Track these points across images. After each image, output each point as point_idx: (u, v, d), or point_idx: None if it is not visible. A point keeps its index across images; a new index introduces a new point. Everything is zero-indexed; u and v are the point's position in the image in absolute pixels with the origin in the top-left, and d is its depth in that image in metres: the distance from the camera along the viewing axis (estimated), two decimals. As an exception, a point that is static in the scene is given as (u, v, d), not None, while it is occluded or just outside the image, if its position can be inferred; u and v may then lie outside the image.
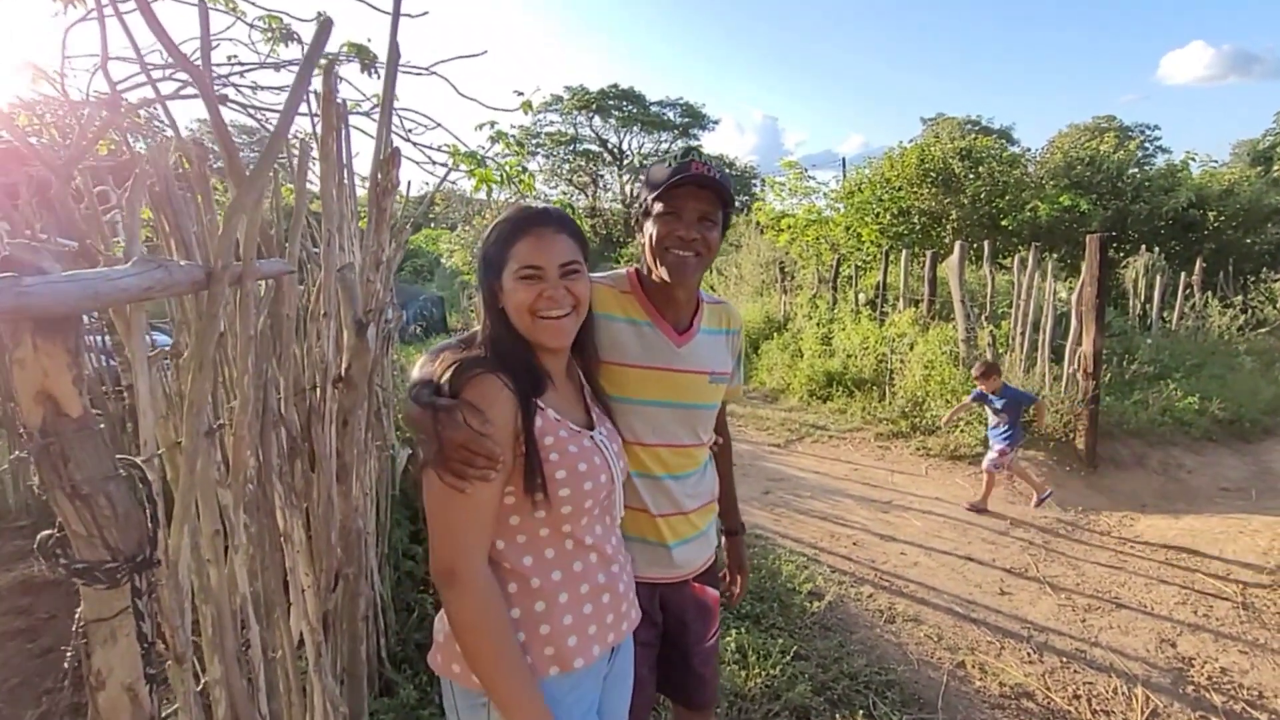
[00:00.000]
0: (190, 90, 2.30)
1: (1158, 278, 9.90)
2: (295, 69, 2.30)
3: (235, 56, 3.04)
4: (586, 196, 33.65)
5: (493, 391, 0.97)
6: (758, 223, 14.38)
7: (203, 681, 1.04)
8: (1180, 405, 6.35)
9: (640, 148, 33.48)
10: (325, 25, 0.94)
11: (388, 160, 1.55)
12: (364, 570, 1.90)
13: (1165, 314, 10.01)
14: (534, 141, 31.65)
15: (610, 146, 33.78)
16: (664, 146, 33.07)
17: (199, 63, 1.17)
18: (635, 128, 33.00)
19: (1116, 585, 3.48)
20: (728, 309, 1.47)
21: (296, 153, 1.52)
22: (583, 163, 33.86)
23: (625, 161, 33.60)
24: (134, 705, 0.81)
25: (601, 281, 1.33)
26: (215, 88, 2.79)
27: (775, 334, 9.98)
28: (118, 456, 0.83)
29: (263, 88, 3.07)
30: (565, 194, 32.63)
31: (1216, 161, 15.51)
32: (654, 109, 32.92)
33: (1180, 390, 6.57)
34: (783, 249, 13.65)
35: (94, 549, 0.79)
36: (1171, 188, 12.76)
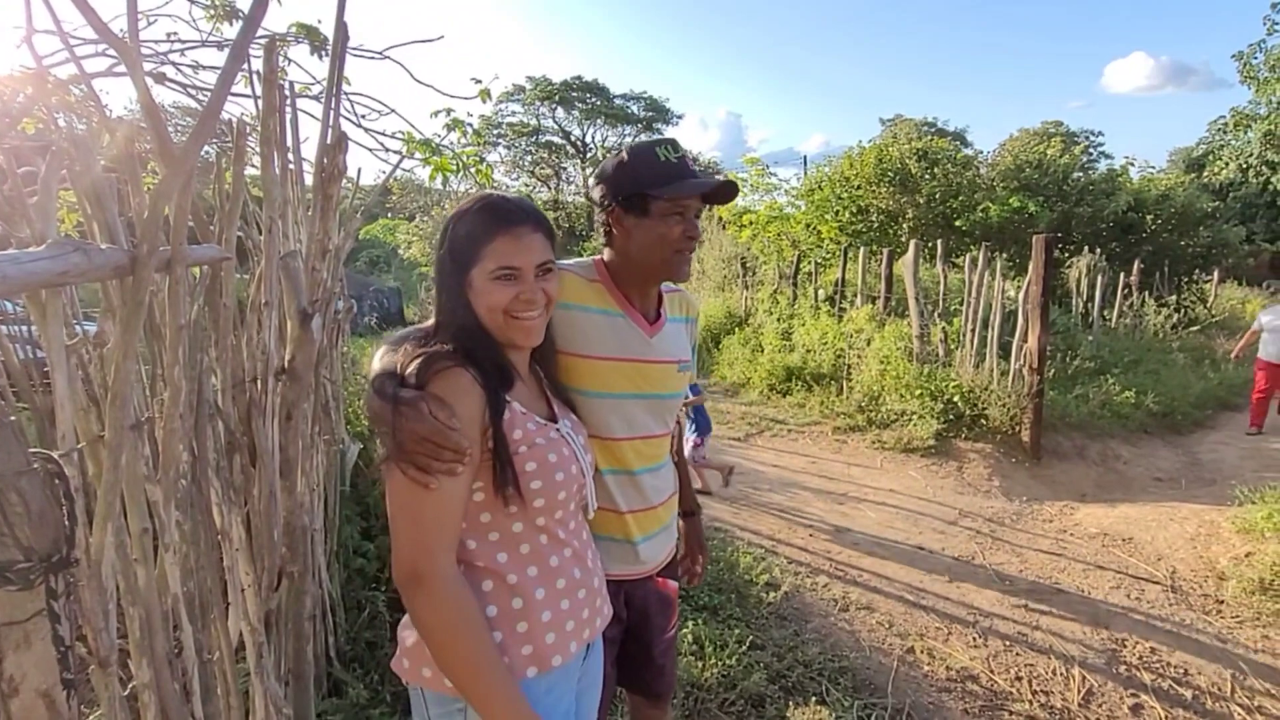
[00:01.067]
0: (123, 68, 2.18)
1: (1099, 278, 10.35)
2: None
3: (175, 34, 2.90)
4: (549, 189, 33.35)
5: (462, 385, 0.94)
6: (720, 218, 14.47)
7: (130, 686, 0.99)
8: (1118, 399, 6.67)
9: (604, 141, 33.32)
10: (261, -1, 0.90)
11: (334, 145, 1.49)
12: (311, 568, 1.85)
13: (1106, 312, 10.48)
14: (495, 132, 31.17)
15: (573, 139, 33.52)
16: (628, 140, 33.00)
17: (126, 35, 1.10)
18: (599, 121, 32.81)
19: (1057, 571, 3.64)
20: (685, 296, 1.47)
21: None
22: (545, 155, 33.52)
23: (588, 154, 33.38)
24: (51, 712, 0.77)
25: (571, 270, 1.29)
26: (152, 65, 2.66)
27: (737, 329, 10.10)
28: (31, 450, 0.78)
29: (205, 67, 2.94)
30: (527, 185, 32.28)
31: (1154, 167, 16.31)
32: (618, 102, 32.78)
33: (1118, 385, 6.90)
34: (744, 245, 13.79)
35: (5, 548, 0.74)
36: (1112, 191, 13.33)
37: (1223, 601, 3.26)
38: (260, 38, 2.69)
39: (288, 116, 1.98)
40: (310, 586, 1.77)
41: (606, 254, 1.32)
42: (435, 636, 0.90)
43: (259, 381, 1.46)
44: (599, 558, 1.17)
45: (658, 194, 1.20)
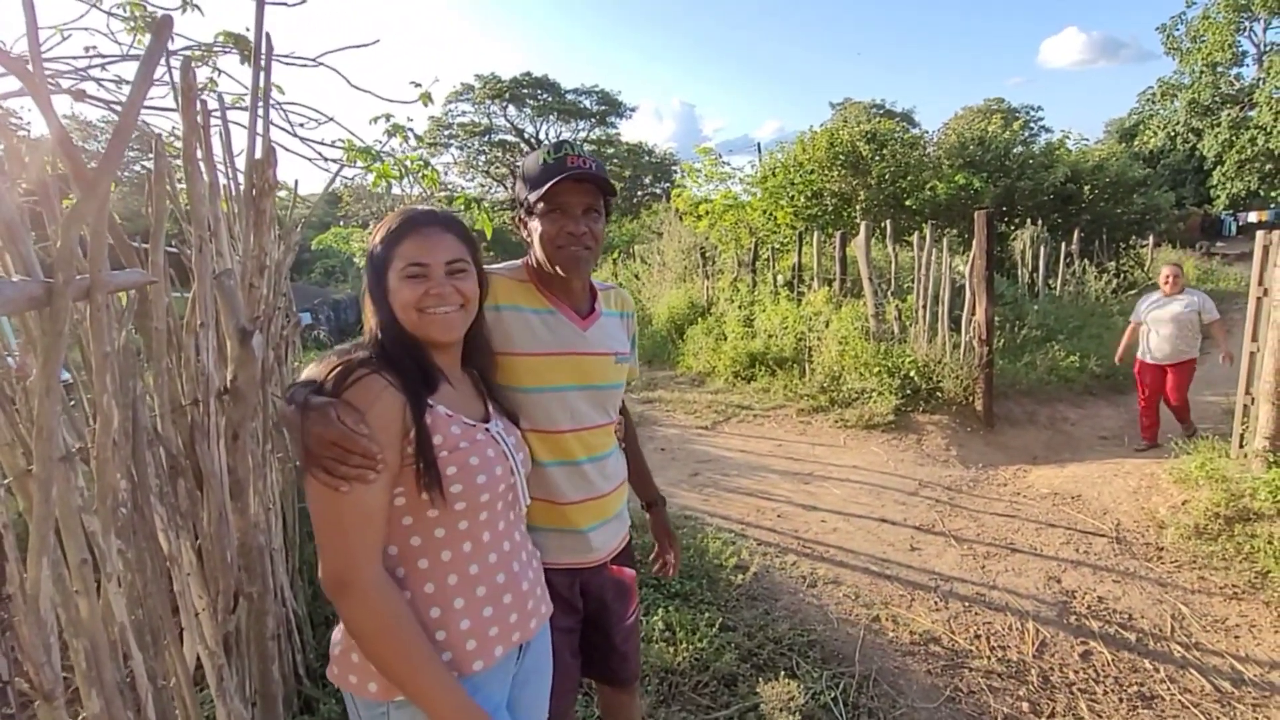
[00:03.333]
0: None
1: (1042, 248, 10.73)
2: (163, 62, 2.13)
3: (95, 47, 2.79)
4: (505, 189, 32.97)
5: (375, 391, 0.96)
6: (677, 210, 14.53)
7: (80, 717, 0.98)
8: (1064, 364, 6.94)
9: (558, 137, 33.07)
10: (164, 23, 0.89)
11: (263, 160, 1.48)
12: (273, 588, 1.83)
13: (1050, 281, 10.87)
14: (446, 133, 30.69)
15: (527, 136, 33.21)
16: (582, 135, 32.82)
17: (41, 50, 1.07)
18: (551, 117, 32.59)
19: (1011, 532, 3.80)
20: (620, 293, 1.52)
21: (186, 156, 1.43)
22: (499, 154, 33.14)
23: (543, 152, 33.07)
24: (-8, 751, 0.76)
25: (500, 273, 1.34)
26: (71, 82, 2.56)
27: (700, 319, 10.17)
28: (-47, 489, 0.77)
29: (129, 82, 2.84)
30: (483, 186, 31.86)
31: (1088, 139, 16.92)
32: (570, 97, 32.58)
33: (1064, 350, 7.18)
34: (703, 235, 13.87)
35: (-70, 590, 0.73)
36: (1051, 164, 13.80)
37: (1163, 548, 3.45)
38: (185, 49, 2.62)
39: (217, 131, 1.95)
40: (272, 606, 1.75)
41: (530, 256, 1.38)
42: (369, 641, 0.92)
43: (200, 404, 1.44)
44: (535, 557, 1.19)
45: (534, 196, 1.26)
